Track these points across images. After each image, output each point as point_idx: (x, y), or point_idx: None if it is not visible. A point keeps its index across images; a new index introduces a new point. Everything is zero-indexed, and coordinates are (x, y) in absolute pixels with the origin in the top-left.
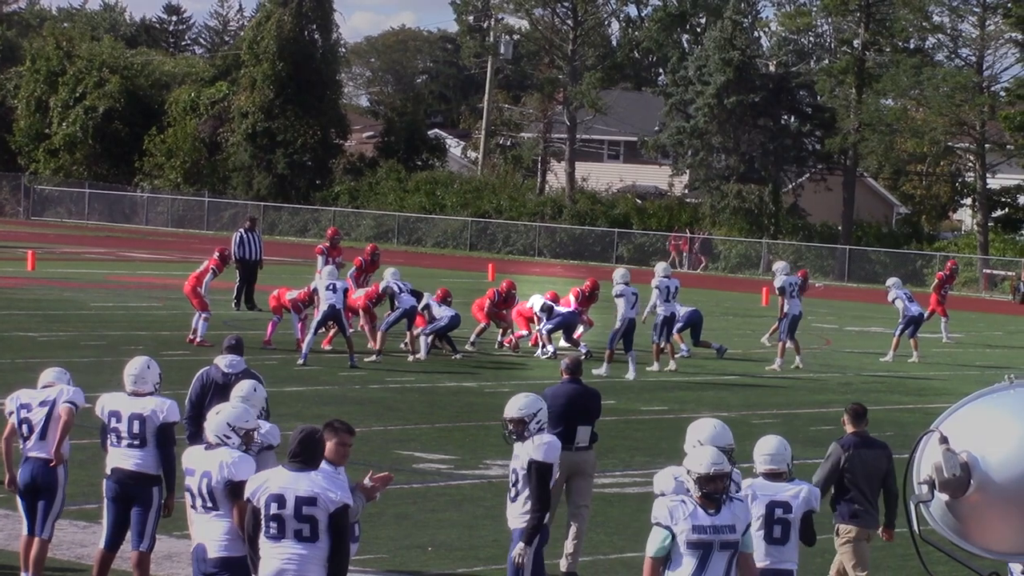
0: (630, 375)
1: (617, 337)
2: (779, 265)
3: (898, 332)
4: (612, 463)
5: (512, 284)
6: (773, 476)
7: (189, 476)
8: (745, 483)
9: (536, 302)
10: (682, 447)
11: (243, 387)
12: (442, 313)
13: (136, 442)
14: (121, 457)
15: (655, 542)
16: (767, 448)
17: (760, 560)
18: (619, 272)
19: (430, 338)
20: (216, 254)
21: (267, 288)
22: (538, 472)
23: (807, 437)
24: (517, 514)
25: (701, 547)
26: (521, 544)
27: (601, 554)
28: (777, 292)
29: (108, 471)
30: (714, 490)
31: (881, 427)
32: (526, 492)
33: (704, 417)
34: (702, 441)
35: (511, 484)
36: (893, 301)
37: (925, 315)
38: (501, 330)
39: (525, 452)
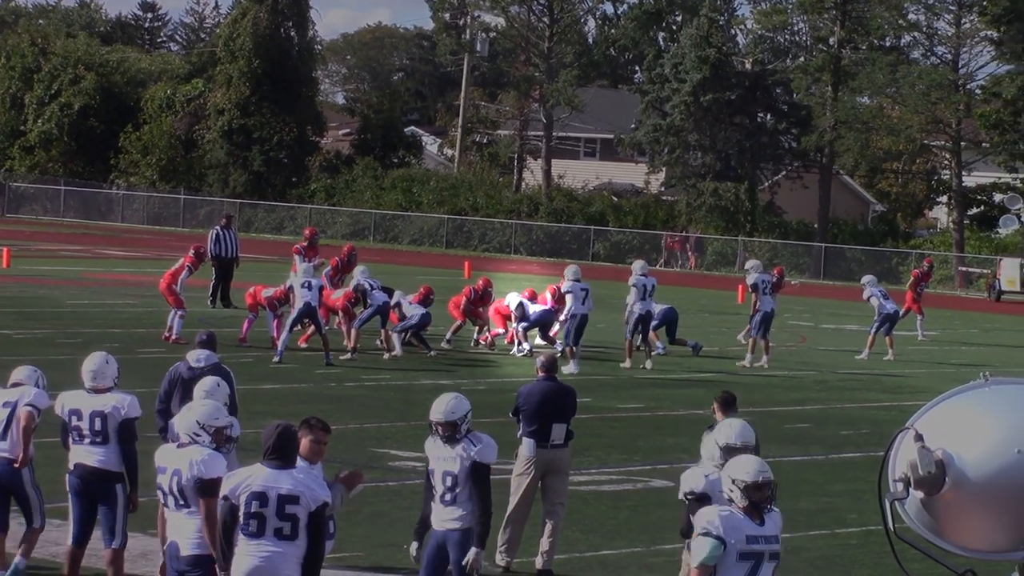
0: (570, 368)
1: (573, 333)
2: (752, 263)
3: (873, 330)
4: (588, 461)
5: (488, 282)
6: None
7: (161, 474)
8: (703, 471)
9: (512, 300)
10: (698, 446)
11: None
12: (412, 311)
13: (99, 439)
14: (84, 454)
15: (704, 550)
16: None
17: None
18: (570, 269)
19: (404, 335)
20: (192, 252)
21: (243, 286)
22: (482, 474)
23: (783, 435)
24: (451, 517)
25: (752, 558)
26: (475, 549)
27: (576, 552)
28: (750, 289)
29: (71, 466)
30: (760, 499)
31: (857, 424)
32: (461, 493)
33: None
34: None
35: (445, 488)
36: (868, 299)
37: (900, 313)
38: (477, 328)
39: (458, 454)
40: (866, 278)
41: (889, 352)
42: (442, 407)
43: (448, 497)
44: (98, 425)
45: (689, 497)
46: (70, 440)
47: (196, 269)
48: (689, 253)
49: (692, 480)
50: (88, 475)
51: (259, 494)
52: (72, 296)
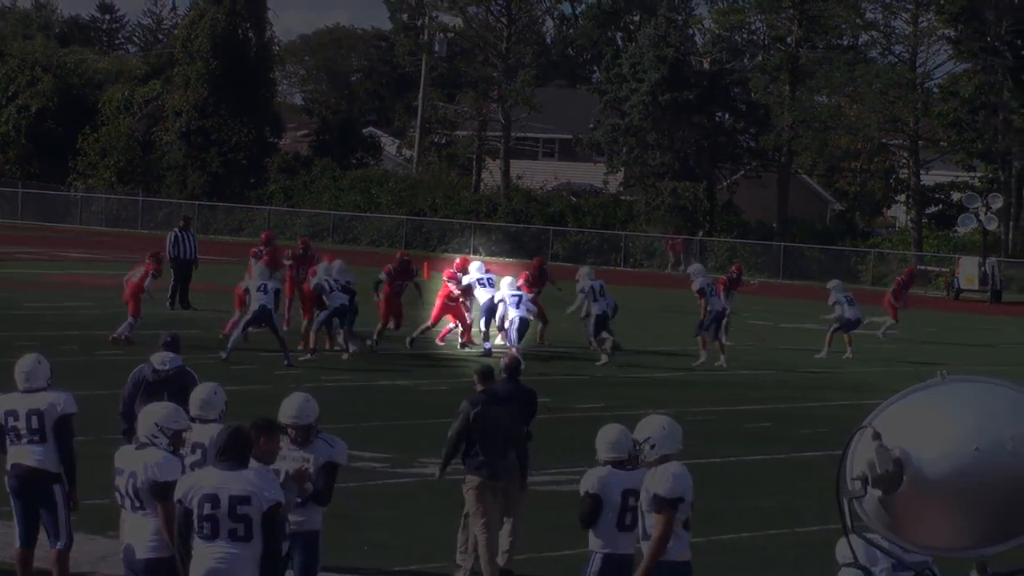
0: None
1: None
2: (694, 268)
3: (831, 329)
4: (547, 460)
5: (467, 260)
6: (618, 465)
7: (119, 476)
8: (597, 473)
9: (506, 284)
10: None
11: (203, 390)
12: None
13: (36, 437)
14: (22, 454)
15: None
16: (609, 438)
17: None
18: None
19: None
20: (150, 258)
21: (203, 288)
22: (334, 472)
23: (744, 433)
24: (298, 519)
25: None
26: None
27: (537, 551)
28: (697, 294)
29: (8, 467)
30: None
31: (817, 423)
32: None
33: (652, 415)
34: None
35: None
36: (833, 304)
37: (864, 322)
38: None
39: (310, 455)
40: (833, 283)
41: (848, 350)
42: (292, 408)
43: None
44: (35, 423)
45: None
46: (7, 442)
47: (159, 274)
48: (685, 255)
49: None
50: (26, 475)
51: (211, 496)
52: (30, 299)
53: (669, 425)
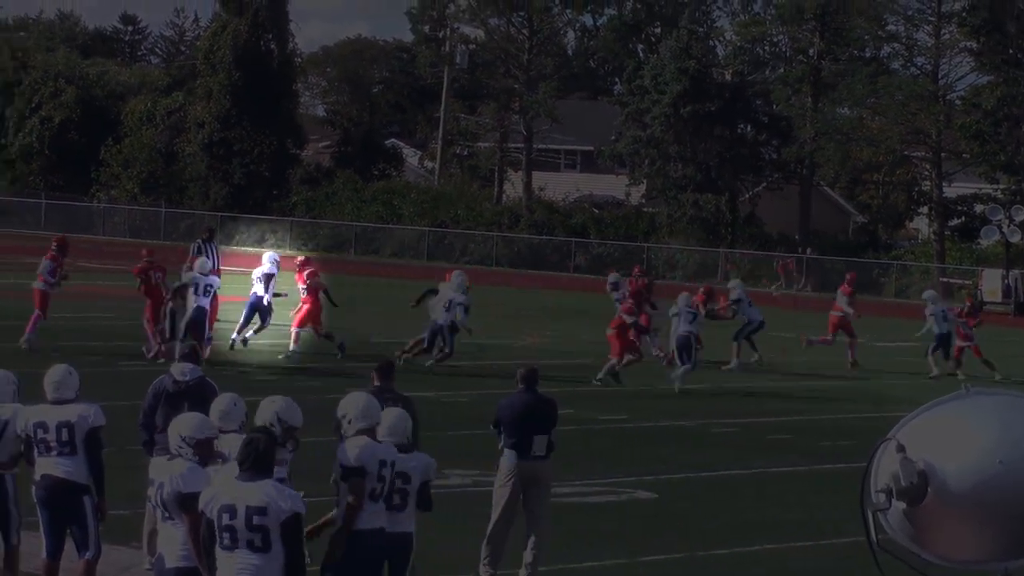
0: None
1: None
2: (734, 282)
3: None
4: (571, 472)
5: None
6: (396, 448)
7: (151, 486)
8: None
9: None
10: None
11: (222, 401)
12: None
13: (66, 450)
14: (51, 465)
15: None
16: (387, 421)
17: (382, 523)
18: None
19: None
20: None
21: (228, 300)
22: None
23: (766, 445)
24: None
25: None
26: None
27: (560, 564)
28: (732, 304)
29: (37, 478)
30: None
31: (839, 435)
32: None
33: (353, 392)
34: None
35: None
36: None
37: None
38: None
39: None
40: (927, 294)
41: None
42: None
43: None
44: (65, 436)
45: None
46: (35, 453)
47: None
48: (796, 274)
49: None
50: (55, 486)
51: (229, 507)
52: (53, 310)
53: (366, 402)
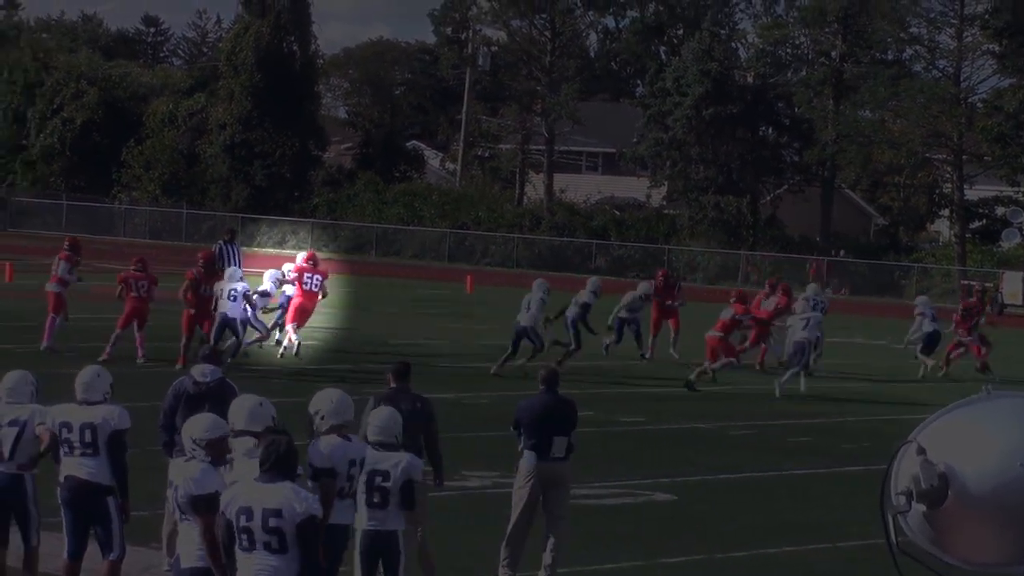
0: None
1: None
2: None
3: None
4: (590, 474)
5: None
6: (382, 446)
7: (169, 487)
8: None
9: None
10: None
11: (246, 402)
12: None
13: (89, 451)
14: (74, 466)
15: None
16: (377, 421)
17: (365, 523)
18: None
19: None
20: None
21: None
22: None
23: (786, 447)
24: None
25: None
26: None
27: (578, 566)
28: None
29: (61, 479)
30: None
31: (860, 438)
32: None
33: (327, 388)
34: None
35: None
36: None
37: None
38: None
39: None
40: (919, 299)
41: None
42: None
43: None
44: (88, 437)
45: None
46: (61, 452)
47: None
48: (828, 276)
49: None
50: (79, 487)
51: (246, 508)
52: (73, 310)
53: (339, 398)
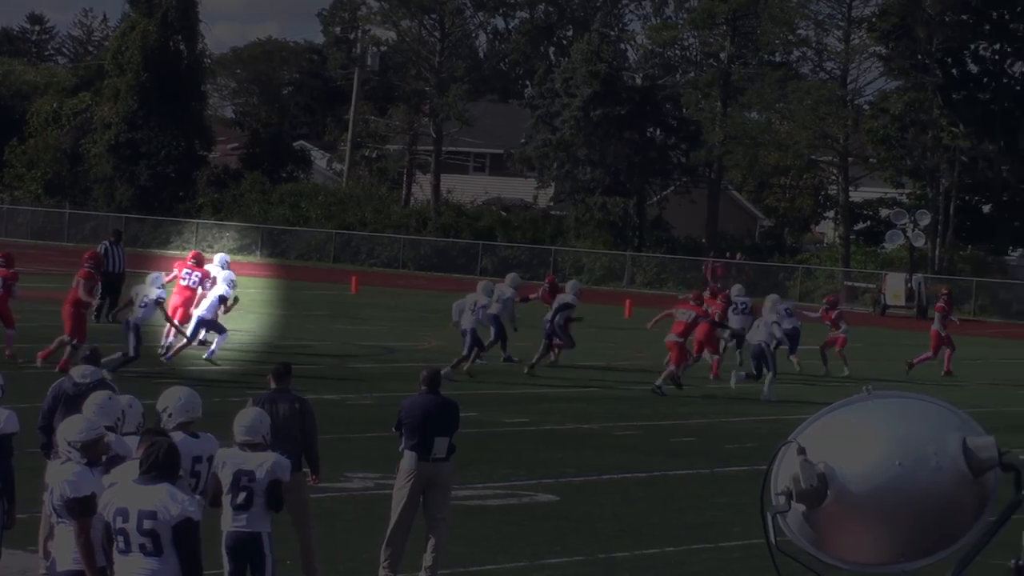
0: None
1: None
2: (737, 287)
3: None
4: (473, 475)
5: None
6: (251, 447)
7: (46, 491)
8: (218, 453)
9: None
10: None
11: (97, 397)
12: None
13: None
14: None
15: None
16: (244, 421)
17: (230, 524)
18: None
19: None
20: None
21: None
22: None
23: (670, 448)
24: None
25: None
26: None
27: (460, 567)
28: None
29: None
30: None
31: (741, 438)
32: None
33: (174, 386)
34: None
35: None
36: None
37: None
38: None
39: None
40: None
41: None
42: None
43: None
44: None
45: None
46: None
47: (97, 281)
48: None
49: None
50: None
51: (122, 510)
52: None
53: (186, 396)
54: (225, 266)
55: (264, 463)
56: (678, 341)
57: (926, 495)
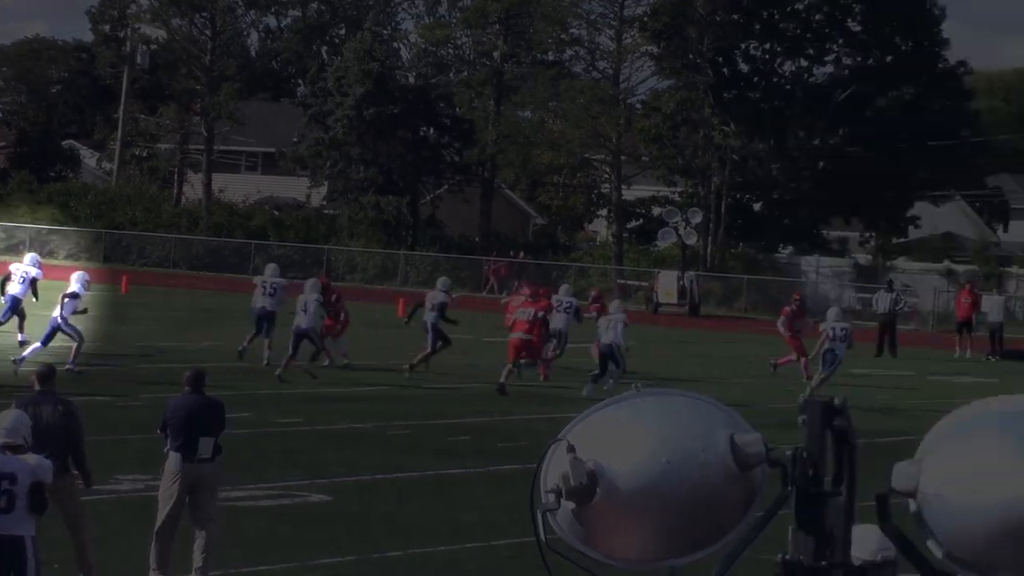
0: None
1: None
2: (565, 287)
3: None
4: (245, 475)
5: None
6: (11, 449)
7: None
8: None
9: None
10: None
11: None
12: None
13: None
14: None
15: None
16: (4, 423)
17: None
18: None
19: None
20: None
21: None
22: None
23: (442, 447)
24: None
25: None
26: None
27: (233, 568)
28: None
29: None
30: None
31: (516, 436)
32: None
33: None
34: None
35: None
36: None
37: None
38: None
39: None
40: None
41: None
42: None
43: None
44: None
45: None
46: None
47: None
48: (508, 279)
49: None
50: None
51: None
52: None
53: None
54: (37, 265)
55: (25, 465)
56: (524, 339)
57: (694, 491)
